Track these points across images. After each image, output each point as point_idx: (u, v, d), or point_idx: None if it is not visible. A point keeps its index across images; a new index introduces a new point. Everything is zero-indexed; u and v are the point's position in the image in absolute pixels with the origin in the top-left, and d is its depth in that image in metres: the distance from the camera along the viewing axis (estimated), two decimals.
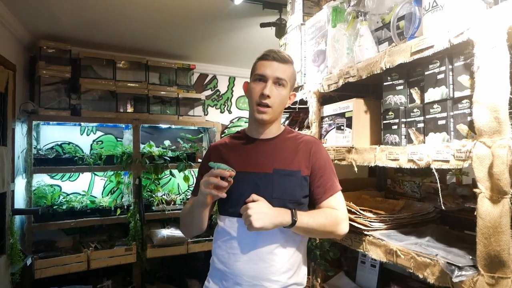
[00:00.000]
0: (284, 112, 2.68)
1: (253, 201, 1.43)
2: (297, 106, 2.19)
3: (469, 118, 1.20)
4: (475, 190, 1.13)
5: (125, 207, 3.91)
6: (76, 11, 3.10)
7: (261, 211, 1.38)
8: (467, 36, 1.15)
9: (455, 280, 1.17)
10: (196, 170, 3.08)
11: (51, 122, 3.87)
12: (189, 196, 2.21)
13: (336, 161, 1.84)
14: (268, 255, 1.49)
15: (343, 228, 1.53)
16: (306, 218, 1.44)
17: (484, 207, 1.10)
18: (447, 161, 1.23)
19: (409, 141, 1.46)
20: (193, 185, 1.78)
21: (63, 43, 3.77)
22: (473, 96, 1.13)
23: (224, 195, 1.40)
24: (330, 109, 1.96)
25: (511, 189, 1.05)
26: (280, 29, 2.87)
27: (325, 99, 2.07)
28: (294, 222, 1.41)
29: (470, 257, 1.24)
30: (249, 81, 1.62)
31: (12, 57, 3.31)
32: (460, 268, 1.18)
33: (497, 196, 1.07)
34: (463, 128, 1.24)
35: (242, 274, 1.48)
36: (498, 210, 1.07)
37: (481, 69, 1.11)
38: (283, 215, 1.41)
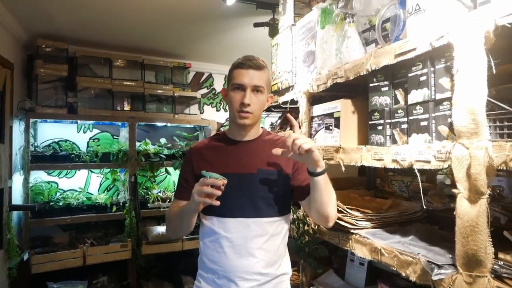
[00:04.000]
0: (276, 111, 2.71)
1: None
2: (287, 106, 2.21)
3: (449, 120, 1.22)
4: (454, 190, 1.15)
5: (121, 204, 3.93)
6: (72, 10, 3.12)
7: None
8: (447, 39, 1.17)
9: (434, 278, 1.20)
10: None
11: (48, 120, 3.90)
12: None
13: (324, 160, 1.86)
14: (257, 250, 1.55)
15: (336, 213, 1.59)
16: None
17: (463, 207, 1.13)
18: (428, 162, 1.26)
19: (394, 141, 1.49)
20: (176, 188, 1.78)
21: (60, 41, 3.78)
22: (453, 98, 1.16)
23: (218, 203, 1.41)
24: (319, 109, 1.98)
25: (488, 190, 1.08)
26: (273, 29, 2.88)
27: (316, 99, 2.09)
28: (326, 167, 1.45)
29: (450, 255, 1.26)
30: (226, 87, 1.65)
31: (11, 56, 3.33)
32: (439, 267, 1.21)
33: (475, 196, 1.09)
34: (444, 130, 1.27)
35: (234, 270, 1.54)
36: (476, 210, 1.09)
37: (460, 72, 1.13)
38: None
